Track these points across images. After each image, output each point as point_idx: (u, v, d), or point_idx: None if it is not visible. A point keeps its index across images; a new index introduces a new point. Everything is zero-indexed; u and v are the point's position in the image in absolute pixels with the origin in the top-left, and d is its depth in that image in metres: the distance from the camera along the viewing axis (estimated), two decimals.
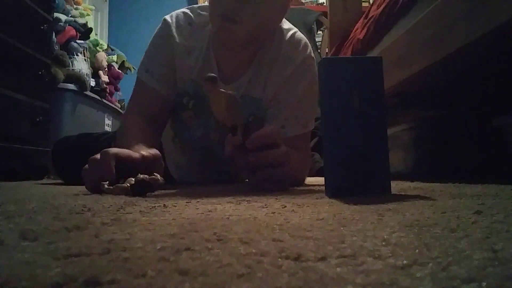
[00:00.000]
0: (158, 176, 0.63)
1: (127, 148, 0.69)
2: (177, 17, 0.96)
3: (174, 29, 0.93)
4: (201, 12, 0.96)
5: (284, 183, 0.69)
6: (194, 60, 0.93)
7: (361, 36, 1.44)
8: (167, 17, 0.96)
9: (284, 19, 0.99)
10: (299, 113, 0.93)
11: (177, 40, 0.93)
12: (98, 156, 0.64)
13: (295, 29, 0.99)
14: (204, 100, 0.93)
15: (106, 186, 0.62)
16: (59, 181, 1.33)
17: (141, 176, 0.60)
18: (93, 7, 3.11)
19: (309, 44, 0.98)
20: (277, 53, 0.93)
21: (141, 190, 0.59)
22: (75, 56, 2.54)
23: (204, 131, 0.97)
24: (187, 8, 0.99)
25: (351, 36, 1.63)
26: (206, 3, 0.91)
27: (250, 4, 0.79)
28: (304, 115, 0.94)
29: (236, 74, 0.94)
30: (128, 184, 0.60)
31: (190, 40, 0.94)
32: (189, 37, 0.94)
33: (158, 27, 0.97)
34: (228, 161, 1.04)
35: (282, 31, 0.95)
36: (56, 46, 2.41)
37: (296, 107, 0.93)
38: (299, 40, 0.96)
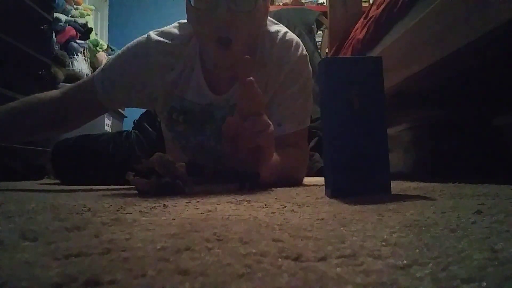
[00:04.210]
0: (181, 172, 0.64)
1: None
2: (158, 34, 0.94)
3: (153, 47, 0.92)
4: (186, 27, 0.95)
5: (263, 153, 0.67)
6: (178, 76, 0.92)
7: (361, 36, 1.44)
8: (151, 33, 0.95)
9: (273, 20, 0.98)
10: (295, 110, 0.93)
11: (155, 58, 0.92)
12: None
13: (285, 29, 0.97)
14: (193, 113, 0.93)
15: (132, 177, 0.63)
16: (59, 181, 1.33)
17: (167, 178, 0.62)
18: (93, 7, 3.10)
19: (301, 42, 0.97)
20: (269, 58, 0.92)
21: (165, 192, 0.61)
22: (75, 56, 2.54)
23: (200, 139, 0.97)
24: (171, 26, 0.98)
25: (351, 36, 1.63)
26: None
27: (241, 13, 0.79)
28: (300, 112, 0.94)
29: (227, 86, 0.92)
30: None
31: (171, 57, 0.92)
32: (170, 53, 0.92)
33: (138, 39, 0.96)
34: (225, 160, 1.05)
35: (271, 35, 0.94)
36: (56, 46, 2.41)
37: (291, 105, 0.93)
38: (291, 41, 0.94)
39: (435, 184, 0.75)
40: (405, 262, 0.19)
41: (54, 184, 1.26)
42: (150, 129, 1.29)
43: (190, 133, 0.96)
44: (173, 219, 0.34)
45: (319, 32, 3.12)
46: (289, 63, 0.92)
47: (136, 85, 0.94)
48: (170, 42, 0.93)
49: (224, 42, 0.80)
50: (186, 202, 0.49)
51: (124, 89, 0.95)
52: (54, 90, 1.04)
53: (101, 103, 0.97)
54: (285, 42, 0.94)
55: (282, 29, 0.97)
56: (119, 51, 0.99)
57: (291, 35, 0.96)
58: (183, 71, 0.92)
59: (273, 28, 0.96)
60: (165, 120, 0.99)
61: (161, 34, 0.95)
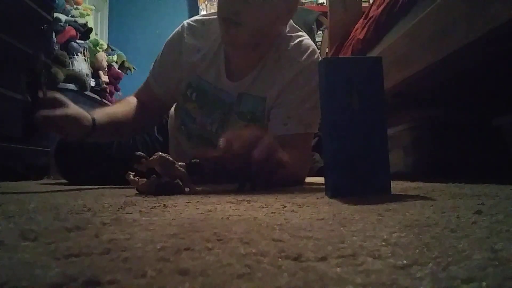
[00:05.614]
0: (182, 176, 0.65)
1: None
2: (192, 20, 1.05)
3: (186, 31, 1.02)
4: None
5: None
6: (202, 57, 0.99)
7: (361, 36, 1.44)
8: (185, 21, 1.05)
9: (296, 26, 1.02)
10: (302, 113, 0.94)
11: (186, 40, 1.01)
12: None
13: (306, 37, 1.01)
14: (206, 93, 0.99)
15: (131, 177, 0.63)
16: (59, 181, 1.33)
17: (167, 179, 0.63)
18: (93, 7, 3.10)
19: (317, 51, 1.00)
20: (282, 55, 0.96)
21: (165, 192, 0.61)
22: (75, 56, 2.54)
23: (205, 122, 1.01)
24: (204, 14, 1.09)
25: (351, 36, 1.63)
26: (212, 4, 0.95)
27: (252, 6, 0.84)
28: (308, 116, 0.95)
29: (242, 73, 0.98)
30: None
31: (200, 39, 1.00)
32: (200, 36, 1.01)
33: (175, 29, 1.06)
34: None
35: (291, 37, 0.98)
36: (56, 46, 2.41)
37: (299, 107, 0.94)
38: (307, 46, 0.98)
39: (435, 184, 0.75)
40: (405, 262, 0.19)
41: (54, 184, 1.26)
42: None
43: (198, 113, 1.01)
44: (173, 219, 0.34)
45: (319, 32, 3.11)
46: (301, 64, 0.95)
47: (174, 69, 1.02)
48: (200, 26, 1.03)
49: (231, 21, 0.86)
50: (186, 202, 0.49)
51: (168, 78, 1.04)
52: (131, 97, 1.10)
53: (159, 98, 1.05)
54: (301, 46, 0.98)
55: (303, 36, 1.01)
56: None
57: (309, 42, 1.01)
58: (207, 53, 0.99)
59: (294, 33, 1.00)
60: (179, 98, 1.06)
61: (195, 20, 1.05)
